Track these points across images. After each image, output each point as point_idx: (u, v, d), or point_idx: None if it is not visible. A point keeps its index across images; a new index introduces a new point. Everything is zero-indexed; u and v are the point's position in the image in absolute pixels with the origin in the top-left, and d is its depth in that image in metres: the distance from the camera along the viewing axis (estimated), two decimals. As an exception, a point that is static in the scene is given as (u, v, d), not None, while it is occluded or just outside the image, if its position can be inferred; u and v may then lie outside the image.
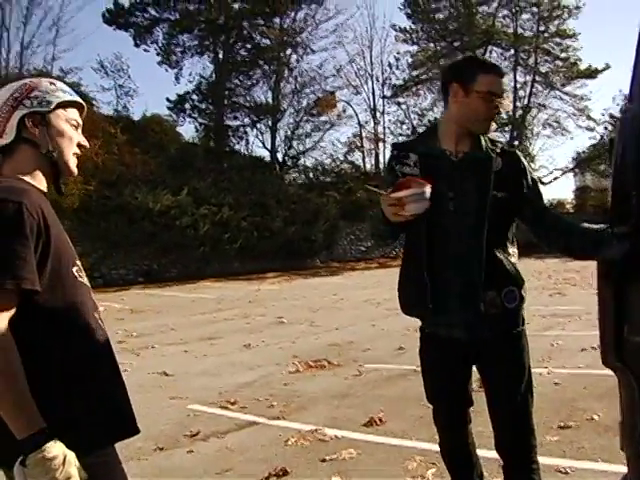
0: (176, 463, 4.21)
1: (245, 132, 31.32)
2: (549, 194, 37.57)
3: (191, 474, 4.03)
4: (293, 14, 31.16)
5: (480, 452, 2.88)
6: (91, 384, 1.71)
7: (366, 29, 45.33)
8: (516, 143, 37.08)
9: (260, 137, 31.76)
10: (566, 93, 36.70)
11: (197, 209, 21.79)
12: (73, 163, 1.86)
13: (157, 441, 4.65)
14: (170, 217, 20.91)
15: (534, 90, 37.12)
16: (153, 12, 29.12)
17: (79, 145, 1.87)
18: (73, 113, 1.87)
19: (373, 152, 36.28)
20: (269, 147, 31.26)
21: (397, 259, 29.14)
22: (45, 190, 1.82)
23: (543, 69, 36.21)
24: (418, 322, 2.69)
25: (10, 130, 1.76)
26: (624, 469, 3.42)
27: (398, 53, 37.79)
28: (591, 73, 35.15)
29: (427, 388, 2.71)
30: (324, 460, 4.05)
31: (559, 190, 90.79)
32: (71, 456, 1.55)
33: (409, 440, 4.40)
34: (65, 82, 1.95)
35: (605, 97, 73.91)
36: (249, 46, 30.40)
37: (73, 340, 1.70)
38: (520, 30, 36.66)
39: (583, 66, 35.41)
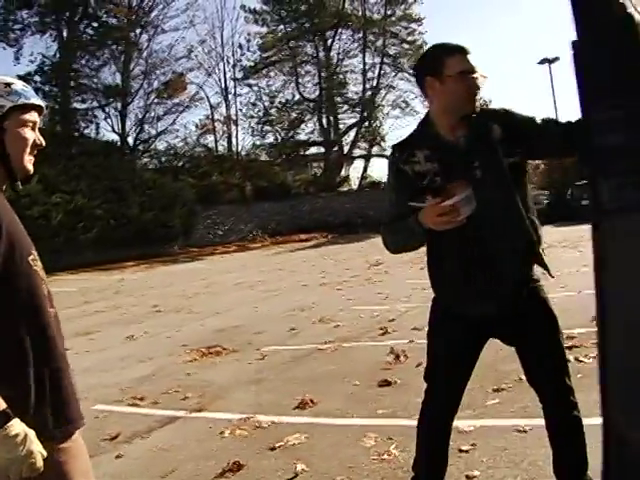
0: (109, 471, 3.73)
1: (94, 115, 29.86)
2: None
3: (132, 482, 3.61)
4: (142, -9, 29.85)
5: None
6: (43, 371, 1.69)
7: (217, 9, 44.38)
8: (366, 124, 38.14)
9: (110, 121, 30.38)
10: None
11: (49, 198, 20.24)
12: (29, 162, 1.81)
13: (75, 448, 4.14)
14: (19, 207, 19.03)
15: (382, 72, 38.24)
16: (-14, -16, 26.67)
17: (35, 145, 1.82)
18: (30, 114, 1.80)
19: (226, 134, 35.94)
20: (119, 131, 29.92)
21: (255, 241, 29.13)
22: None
23: (391, 51, 37.24)
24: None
25: None
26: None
27: (249, 34, 37.57)
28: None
29: (435, 348, 2.61)
30: (273, 448, 3.77)
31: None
32: (31, 434, 1.55)
33: (351, 418, 4.23)
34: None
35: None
36: (96, 25, 28.65)
37: (26, 323, 1.68)
38: (369, 13, 37.59)
39: (428, 49, 37.04)
